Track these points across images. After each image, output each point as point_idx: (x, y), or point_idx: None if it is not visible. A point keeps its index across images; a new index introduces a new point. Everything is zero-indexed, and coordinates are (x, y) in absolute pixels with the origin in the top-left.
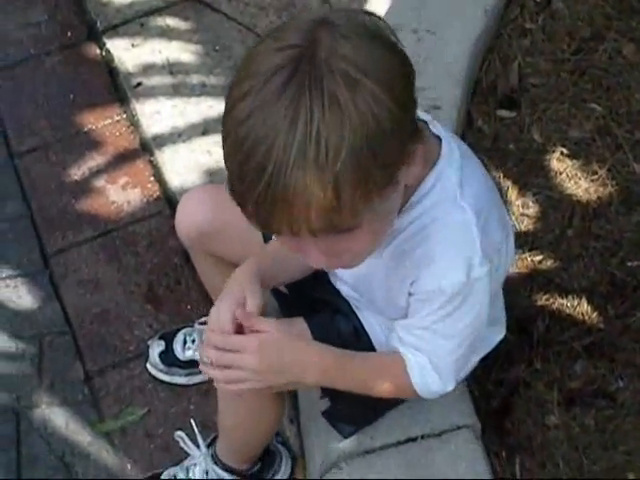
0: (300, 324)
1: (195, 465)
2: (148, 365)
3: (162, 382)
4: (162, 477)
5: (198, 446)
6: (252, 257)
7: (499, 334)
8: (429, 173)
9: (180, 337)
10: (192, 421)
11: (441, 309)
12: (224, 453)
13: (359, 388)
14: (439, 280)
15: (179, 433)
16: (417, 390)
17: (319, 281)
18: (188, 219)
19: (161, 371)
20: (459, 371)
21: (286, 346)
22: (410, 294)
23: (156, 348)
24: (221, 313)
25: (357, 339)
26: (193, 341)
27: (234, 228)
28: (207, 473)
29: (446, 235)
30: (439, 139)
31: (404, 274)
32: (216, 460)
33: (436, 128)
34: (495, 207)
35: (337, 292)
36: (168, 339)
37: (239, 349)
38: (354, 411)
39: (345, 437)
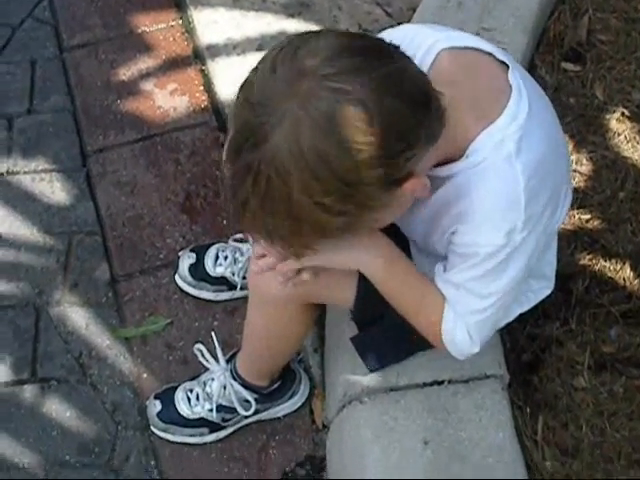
0: None
1: (212, 380)
2: (177, 277)
3: (188, 295)
4: (177, 391)
5: (217, 360)
6: None
7: (546, 289)
8: (489, 126)
9: (212, 252)
10: (213, 334)
11: (476, 267)
12: (244, 368)
13: (398, 300)
14: (476, 237)
15: (198, 345)
16: (443, 336)
17: None
18: None
19: (189, 284)
20: (485, 333)
21: None
22: (450, 242)
23: (187, 260)
24: None
25: None
26: (225, 258)
27: None
28: (225, 388)
29: (492, 194)
30: (511, 89)
31: (446, 223)
32: (235, 376)
33: (514, 75)
34: (556, 164)
35: None
36: (200, 253)
37: None
38: (384, 343)
39: (370, 370)
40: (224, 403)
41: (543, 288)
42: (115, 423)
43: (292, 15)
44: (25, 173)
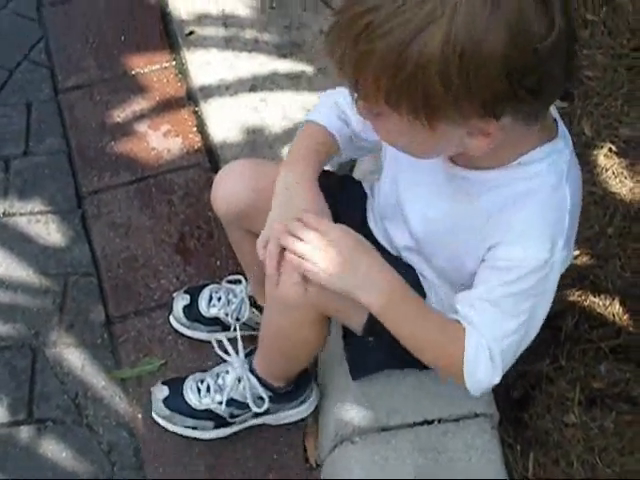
0: None
1: (227, 372)
2: (171, 318)
3: (183, 335)
4: (187, 380)
5: (237, 352)
6: (303, 159)
7: None
8: (546, 143)
9: (206, 293)
10: (237, 326)
11: (514, 284)
12: (261, 366)
13: (411, 338)
14: (524, 250)
15: (217, 336)
16: (465, 368)
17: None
18: (226, 194)
19: (183, 325)
20: (508, 361)
21: (367, 251)
22: (483, 260)
23: (181, 302)
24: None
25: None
26: (219, 299)
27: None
28: (239, 381)
29: (544, 209)
30: (556, 121)
31: (488, 233)
32: (252, 370)
33: (554, 111)
34: (581, 199)
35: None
36: (194, 294)
37: (324, 231)
38: (377, 350)
39: (353, 378)
40: (236, 397)
41: None
42: (111, 464)
43: (284, 55)
44: (21, 215)
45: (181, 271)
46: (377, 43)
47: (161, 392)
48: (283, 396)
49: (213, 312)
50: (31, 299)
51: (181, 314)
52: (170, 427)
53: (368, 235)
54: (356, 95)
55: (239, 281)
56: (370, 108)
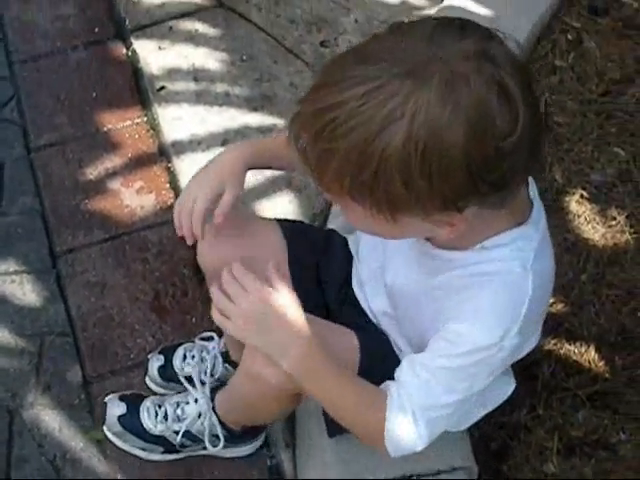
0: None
1: (187, 403)
2: (147, 379)
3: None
4: (145, 401)
5: (203, 385)
6: (249, 143)
7: (509, 385)
8: (513, 229)
9: (180, 352)
10: (207, 359)
11: (456, 358)
12: (222, 408)
13: (328, 403)
14: (474, 329)
15: (188, 369)
16: (386, 433)
17: (348, 305)
18: (212, 251)
19: (159, 385)
20: (437, 431)
21: (287, 312)
22: (440, 329)
23: (155, 362)
24: (198, 202)
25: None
26: (193, 357)
27: (257, 262)
28: (200, 416)
29: (500, 294)
30: (532, 203)
31: (448, 308)
32: (213, 408)
33: (533, 191)
34: (551, 285)
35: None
36: (168, 354)
37: (246, 287)
38: None
39: (330, 436)
40: (193, 431)
41: (506, 383)
42: None
43: (255, 109)
44: None
45: (157, 329)
46: (340, 141)
47: (118, 408)
48: (238, 437)
49: (188, 370)
50: (7, 360)
51: (156, 375)
52: (119, 444)
53: (351, 297)
54: (320, 188)
55: (212, 338)
56: (335, 199)
